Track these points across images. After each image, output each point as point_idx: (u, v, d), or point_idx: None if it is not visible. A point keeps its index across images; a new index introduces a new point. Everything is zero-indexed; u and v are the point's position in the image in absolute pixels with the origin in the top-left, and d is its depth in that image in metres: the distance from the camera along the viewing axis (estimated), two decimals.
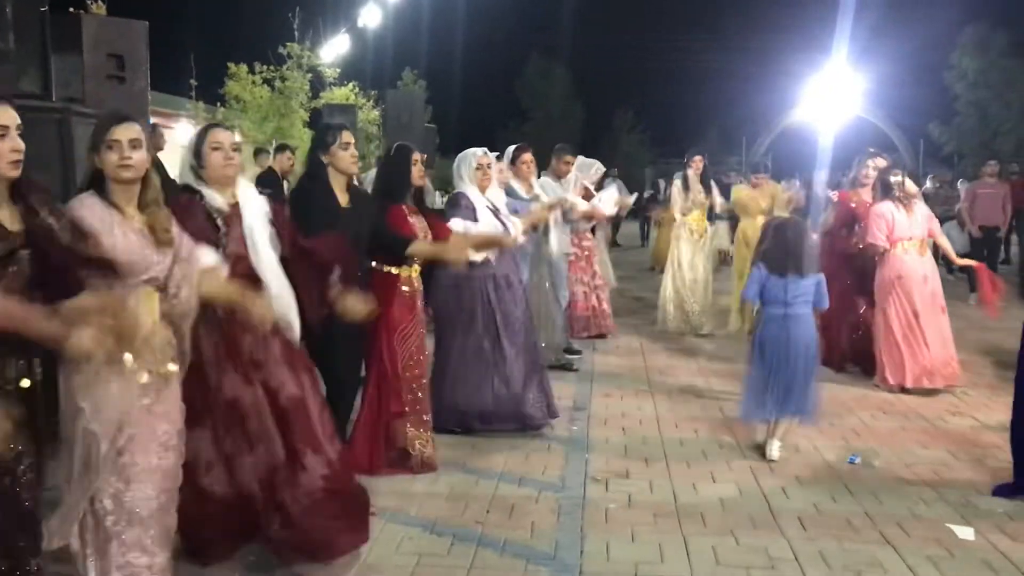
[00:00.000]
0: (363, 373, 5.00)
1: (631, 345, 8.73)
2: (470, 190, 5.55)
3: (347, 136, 4.50)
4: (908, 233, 6.94)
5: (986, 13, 28.95)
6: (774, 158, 27.81)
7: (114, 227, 2.95)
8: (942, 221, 14.96)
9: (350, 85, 18.51)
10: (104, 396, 2.90)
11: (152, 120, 7.27)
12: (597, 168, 9.44)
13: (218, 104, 17.21)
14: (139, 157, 3.02)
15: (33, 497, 2.66)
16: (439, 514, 4.38)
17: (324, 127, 4.63)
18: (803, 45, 31.43)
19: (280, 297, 3.64)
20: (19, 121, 2.62)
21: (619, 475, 5.00)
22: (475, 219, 5.42)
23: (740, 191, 9.96)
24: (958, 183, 16.35)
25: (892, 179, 7.01)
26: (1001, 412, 6.12)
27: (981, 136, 29.50)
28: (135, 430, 2.96)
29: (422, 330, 5.03)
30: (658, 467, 5.15)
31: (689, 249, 9.38)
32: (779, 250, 5.27)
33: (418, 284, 5.02)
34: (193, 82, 16.93)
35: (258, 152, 13.52)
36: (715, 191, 9.63)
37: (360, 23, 19.96)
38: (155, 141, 10.05)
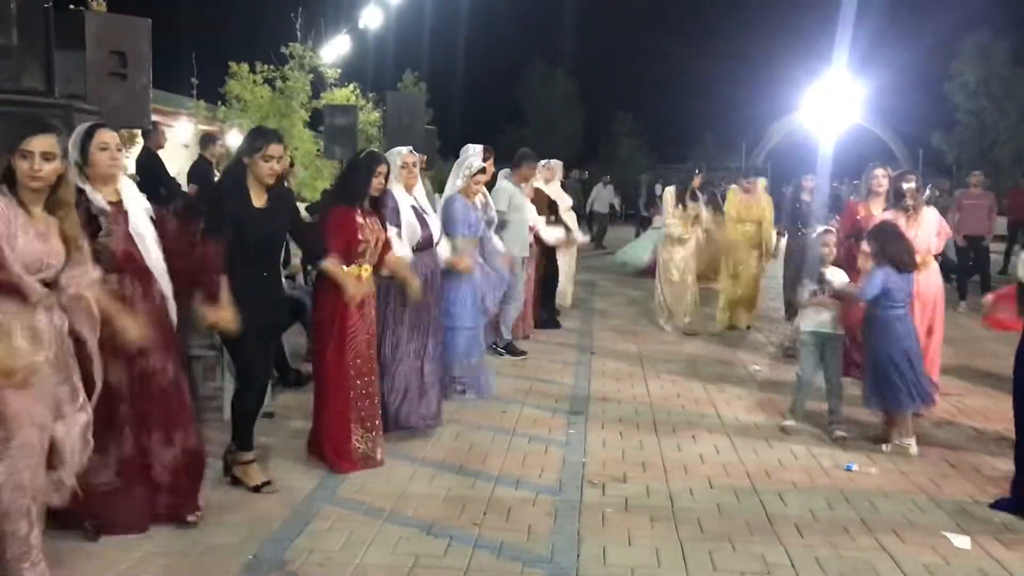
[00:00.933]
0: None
1: (628, 349, 8.73)
2: (395, 189, 5.57)
3: (274, 150, 4.50)
4: (920, 247, 6.28)
5: (987, 22, 29.02)
6: (773, 165, 27.74)
7: (17, 227, 3.15)
8: None
9: (351, 86, 18.51)
10: None
11: (153, 118, 7.25)
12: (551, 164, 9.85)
13: (219, 103, 17.20)
14: (49, 169, 3.22)
15: None
16: (436, 515, 4.38)
17: (257, 132, 4.67)
18: (803, 52, 31.48)
19: (166, 288, 4.03)
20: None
21: (616, 479, 5.00)
22: (398, 221, 5.49)
23: (731, 199, 10.07)
24: (955, 193, 16.35)
25: (905, 186, 6.59)
26: (998, 421, 6.15)
27: (980, 145, 29.57)
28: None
29: (372, 329, 5.08)
30: (655, 471, 5.15)
31: (672, 255, 9.58)
32: (900, 247, 5.48)
33: (369, 284, 5.03)
34: (194, 80, 16.93)
35: None
36: (702, 208, 9.64)
37: (361, 24, 19.95)
38: (156, 139, 10.08)
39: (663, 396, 6.91)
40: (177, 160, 12.21)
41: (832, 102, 24.71)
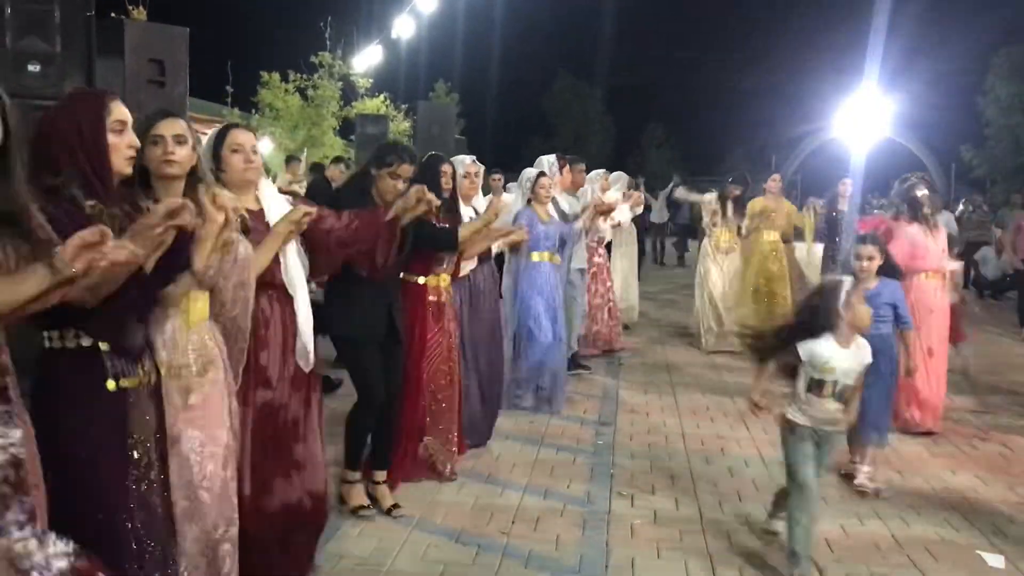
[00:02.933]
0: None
1: (657, 361, 8.71)
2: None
3: (404, 170, 4.27)
4: (936, 264, 6.25)
5: (1021, 37, 28.70)
6: (803, 178, 27.57)
7: None
8: (977, 246, 14.94)
9: (381, 96, 18.64)
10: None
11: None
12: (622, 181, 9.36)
13: (252, 111, 17.38)
14: (184, 153, 2.87)
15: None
16: (464, 524, 4.39)
17: (390, 147, 4.45)
18: (835, 66, 31.37)
19: (304, 313, 3.52)
20: (132, 119, 2.57)
21: (645, 491, 4.99)
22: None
23: (758, 201, 9.52)
24: (1003, 212, 16.19)
25: (919, 193, 6.18)
26: None
27: (1013, 161, 29.21)
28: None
29: (451, 341, 4.96)
30: (684, 484, 5.13)
31: (716, 267, 9.23)
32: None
33: (447, 295, 4.92)
34: (229, 88, 17.10)
35: (289, 160, 13.66)
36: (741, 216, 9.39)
37: (394, 34, 20.10)
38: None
39: (692, 409, 6.89)
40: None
41: (863, 116, 24.57)
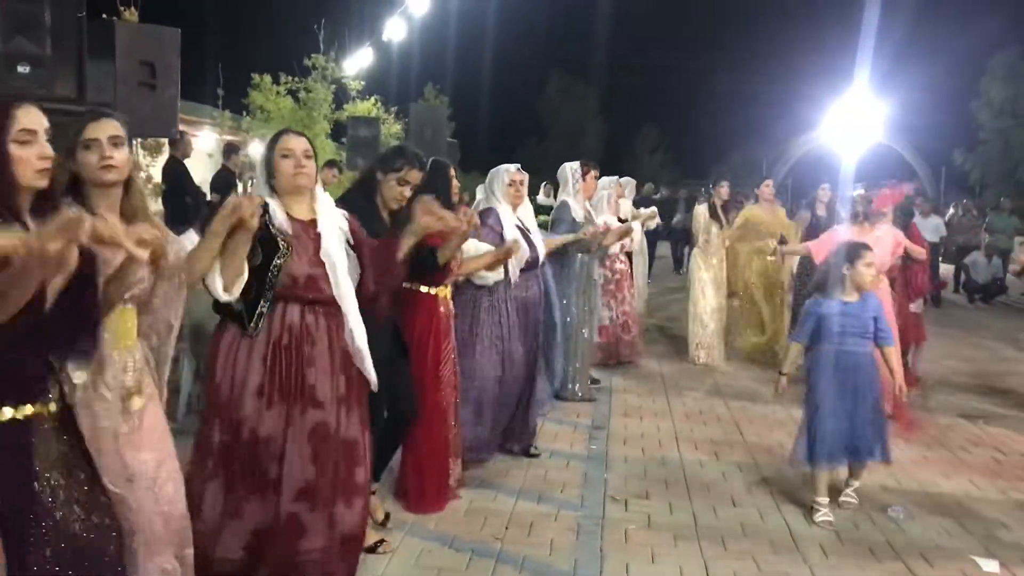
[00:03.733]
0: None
1: (650, 367, 8.69)
2: (501, 208, 5.33)
3: (413, 176, 4.10)
4: None
5: (1016, 41, 28.85)
6: (794, 182, 27.62)
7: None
8: (967, 250, 15.00)
9: (372, 99, 18.60)
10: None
11: (180, 128, 7.30)
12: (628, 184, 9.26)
13: (244, 113, 17.33)
14: (122, 156, 2.69)
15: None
16: (457, 529, 4.36)
17: (398, 150, 4.26)
18: (826, 70, 31.43)
19: (357, 328, 3.37)
20: (47, 125, 2.30)
21: (638, 496, 4.97)
22: (501, 239, 5.12)
23: (752, 209, 9.35)
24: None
25: (856, 195, 6.89)
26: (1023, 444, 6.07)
27: (1004, 165, 29.37)
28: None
29: (455, 356, 4.74)
30: (678, 489, 5.11)
31: (709, 275, 9.03)
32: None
33: (450, 306, 4.70)
34: (220, 91, 17.05)
35: None
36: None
37: (385, 37, 20.07)
38: (182, 148, 10.17)
39: (685, 414, 6.87)
40: (201, 169, 12.34)
41: (854, 120, 24.65)
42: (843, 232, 6.63)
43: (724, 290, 9.07)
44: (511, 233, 5.18)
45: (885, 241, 6.53)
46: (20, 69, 4.81)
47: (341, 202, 3.74)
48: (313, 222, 3.36)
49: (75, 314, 2.29)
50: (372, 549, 3.97)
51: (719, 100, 43.42)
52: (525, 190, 5.54)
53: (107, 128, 2.68)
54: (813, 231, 9.01)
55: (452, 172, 4.81)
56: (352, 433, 3.38)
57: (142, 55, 5.85)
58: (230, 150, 11.91)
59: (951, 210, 17.66)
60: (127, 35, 5.85)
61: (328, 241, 3.34)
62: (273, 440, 3.25)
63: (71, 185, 2.68)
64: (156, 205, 9.75)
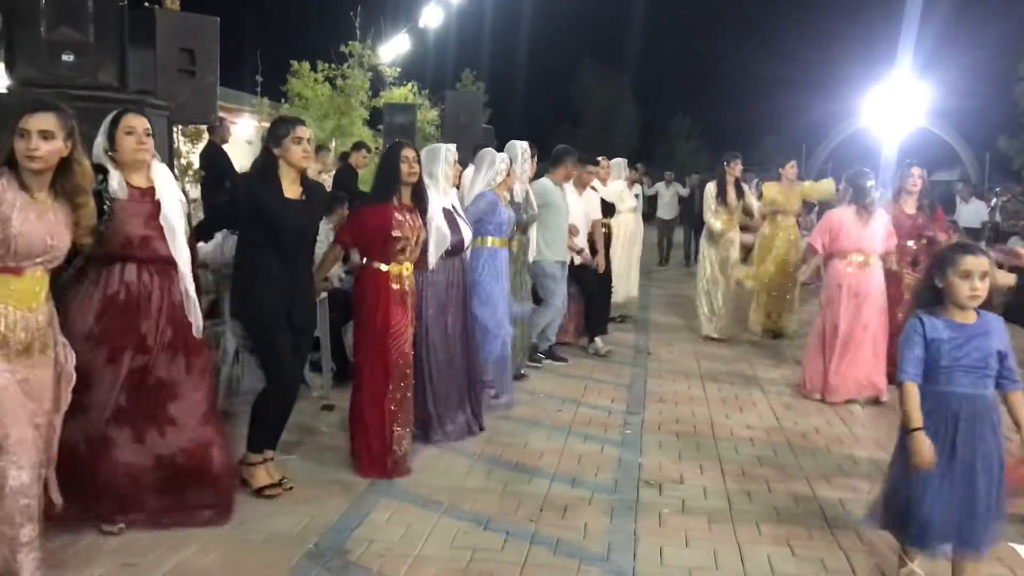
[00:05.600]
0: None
1: (685, 350, 8.67)
2: (432, 190, 5.29)
3: (301, 131, 4.36)
4: (856, 246, 6.75)
5: None
6: (834, 167, 27.23)
7: (16, 209, 3.04)
8: (1009, 234, 14.71)
9: (409, 85, 18.65)
10: None
11: (221, 115, 7.40)
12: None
13: (282, 100, 17.45)
14: (48, 149, 3.08)
15: None
16: (492, 510, 4.40)
17: (278, 120, 4.53)
18: (866, 54, 31.01)
19: (189, 284, 3.92)
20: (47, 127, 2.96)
21: (673, 480, 4.97)
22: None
23: (771, 187, 9.54)
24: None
25: (867, 183, 6.76)
26: None
27: None
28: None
29: (408, 330, 4.87)
30: (712, 473, 5.11)
31: (717, 254, 9.10)
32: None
33: (410, 283, 4.89)
34: (259, 78, 17.18)
35: (319, 150, 13.71)
36: (748, 195, 9.31)
37: (421, 23, 20.10)
38: (221, 134, 10.28)
39: (721, 399, 6.85)
40: (240, 156, 12.45)
41: (895, 104, 24.28)
42: (838, 215, 6.89)
43: (732, 267, 9.10)
44: (437, 217, 5.22)
45: (877, 234, 6.78)
46: (64, 58, 4.91)
47: (242, 178, 4.89)
48: (151, 190, 3.88)
49: None
50: (259, 492, 4.39)
51: (756, 85, 42.90)
52: (455, 172, 5.74)
53: (40, 122, 3.05)
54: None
55: (405, 153, 4.83)
56: (172, 375, 3.90)
57: (182, 43, 5.94)
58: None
59: (995, 196, 17.35)
60: (167, 23, 5.94)
61: (167, 207, 3.87)
62: (107, 377, 3.77)
63: (9, 158, 3.09)
64: (195, 192, 9.87)
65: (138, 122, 3.86)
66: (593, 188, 8.48)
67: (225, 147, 10.48)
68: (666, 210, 17.61)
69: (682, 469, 5.16)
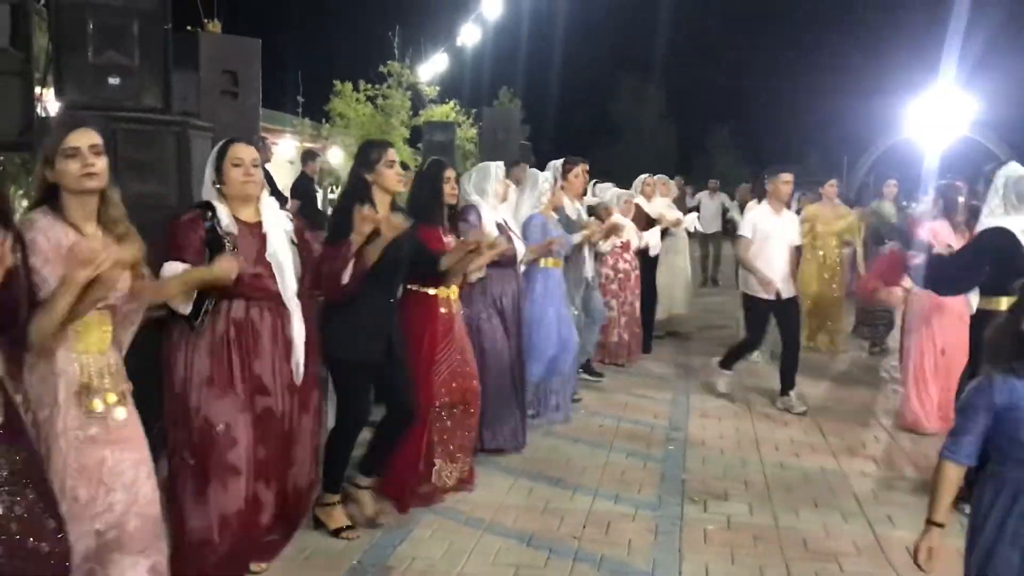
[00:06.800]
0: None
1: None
2: (484, 205, 5.32)
3: (392, 154, 4.22)
4: None
5: None
6: (875, 180, 26.89)
7: (63, 248, 2.68)
8: None
9: (451, 103, 18.78)
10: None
11: (261, 135, 7.49)
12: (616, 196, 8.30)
13: (323, 120, 17.66)
14: (103, 165, 2.76)
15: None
16: (535, 527, 4.37)
17: (368, 144, 4.40)
18: (910, 64, 30.60)
19: (297, 323, 3.64)
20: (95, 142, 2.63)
21: (717, 496, 4.91)
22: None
23: (811, 208, 9.27)
24: None
25: (959, 197, 6.17)
26: None
27: None
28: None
29: (459, 355, 4.71)
30: (757, 490, 5.04)
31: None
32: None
33: (456, 306, 4.77)
34: (300, 99, 17.42)
35: None
36: (791, 210, 9.09)
37: (459, 42, 20.23)
38: (263, 153, 10.39)
39: (765, 415, 6.76)
40: (282, 176, 12.60)
41: (939, 114, 23.90)
42: (932, 230, 6.15)
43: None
44: (491, 230, 5.15)
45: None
46: (111, 81, 4.98)
47: (338, 210, 4.23)
48: (259, 224, 3.62)
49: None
50: (371, 522, 4.27)
51: (795, 97, 42.56)
52: (502, 188, 5.59)
53: (88, 137, 2.74)
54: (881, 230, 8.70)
55: (447, 174, 4.75)
56: (293, 417, 3.68)
57: (224, 65, 6.01)
58: (308, 156, 12.16)
59: None
60: (210, 46, 6.02)
61: (273, 243, 3.60)
62: (229, 426, 3.45)
63: (47, 194, 2.76)
64: None
65: (246, 153, 3.60)
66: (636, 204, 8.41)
67: (268, 167, 10.60)
68: (709, 223, 14.82)
69: (726, 485, 5.10)
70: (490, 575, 3.84)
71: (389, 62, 18.05)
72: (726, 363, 7.31)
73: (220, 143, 3.69)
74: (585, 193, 7.58)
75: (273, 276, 3.56)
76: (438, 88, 19.17)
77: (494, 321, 5.36)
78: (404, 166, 12.15)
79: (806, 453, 5.75)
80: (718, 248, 15.89)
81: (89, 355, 2.78)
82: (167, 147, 4.94)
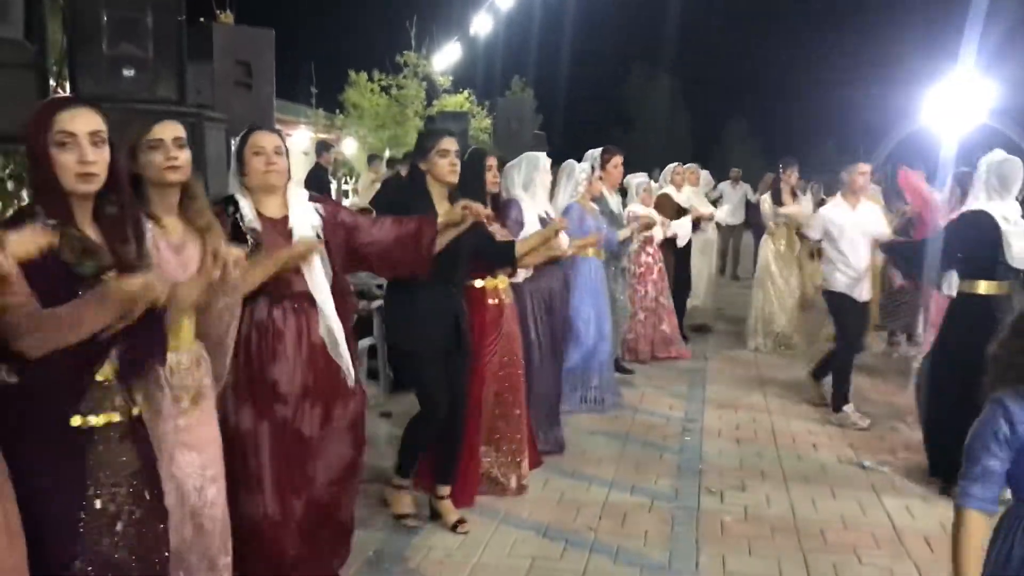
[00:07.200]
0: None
1: (745, 357, 8.54)
2: (525, 200, 5.17)
3: (447, 143, 4.04)
4: None
5: None
6: (893, 169, 26.63)
7: (152, 243, 2.59)
8: None
9: (465, 92, 18.74)
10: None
11: (275, 126, 7.49)
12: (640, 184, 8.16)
13: (337, 111, 17.65)
14: (186, 157, 2.70)
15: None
16: (551, 518, 4.36)
17: (425, 132, 4.26)
18: (929, 51, 30.29)
19: (333, 323, 3.32)
20: (100, 128, 2.25)
21: (734, 488, 4.89)
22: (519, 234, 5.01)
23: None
24: None
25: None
26: None
27: None
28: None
29: (514, 346, 4.64)
30: (775, 481, 5.02)
31: (779, 263, 8.80)
32: None
33: (507, 296, 4.63)
34: (314, 89, 17.41)
35: (371, 159, 13.85)
36: (804, 202, 9.01)
37: (472, 31, 20.17)
38: None
39: (781, 406, 6.72)
40: (296, 167, 12.62)
41: (957, 102, 23.69)
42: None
43: (794, 279, 8.77)
44: (534, 225, 5.05)
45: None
46: (125, 72, 4.98)
47: (393, 201, 3.77)
48: (284, 219, 3.30)
49: (145, 336, 2.33)
50: (454, 528, 4.18)
51: (811, 86, 42.32)
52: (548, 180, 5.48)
53: (172, 130, 2.70)
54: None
55: (489, 162, 4.66)
56: (312, 429, 3.32)
57: (238, 55, 6.00)
58: (322, 147, 12.17)
59: None
60: (224, 37, 6.01)
61: (299, 235, 3.29)
62: (249, 436, 3.21)
63: (132, 185, 2.61)
64: None
65: (267, 140, 3.30)
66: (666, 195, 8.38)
67: None
68: (731, 214, 13.92)
69: (743, 476, 5.07)
70: (506, 567, 3.83)
71: (406, 52, 18.01)
72: (838, 393, 6.35)
73: (242, 132, 3.44)
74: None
75: (300, 272, 3.27)
76: (451, 78, 19.13)
77: (537, 321, 5.23)
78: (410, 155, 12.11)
79: (823, 444, 5.72)
80: (738, 241, 15.58)
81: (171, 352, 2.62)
82: None
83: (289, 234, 3.28)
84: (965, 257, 4.80)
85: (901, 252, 5.84)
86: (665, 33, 44.31)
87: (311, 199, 3.45)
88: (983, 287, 4.75)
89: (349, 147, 17.78)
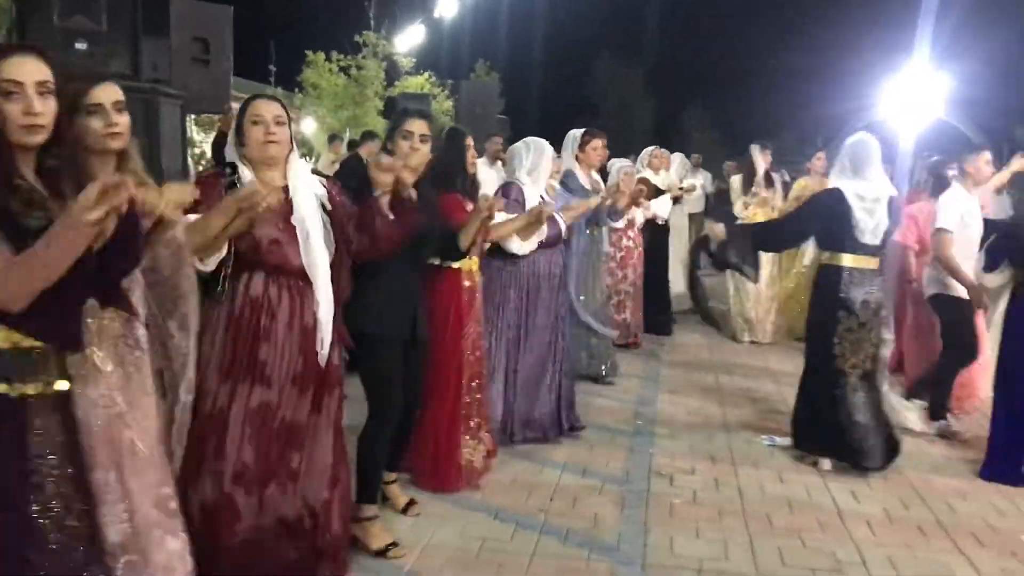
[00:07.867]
0: None
1: (699, 343, 8.64)
2: (527, 182, 5.18)
3: (410, 124, 3.83)
4: None
5: None
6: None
7: None
8: None
9: (425, 74, 18.66)
10: None
11: (232, 104, 7.40)
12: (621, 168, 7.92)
13: (296, 90, 17.49)
14: (126, 122, 2.60)
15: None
16: (503, 501, 4.39)
17: (399, 113, 4.07)
18: (883, 44, 30.66)
19: (324, 301, 3.20)
20: (46, 79, 2.13)
21: (684, 471, 4.96)
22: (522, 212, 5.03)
23: (803, 182, 9.11)
24: None
25: (949, 174, 6.10)
26: None
27: None
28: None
29: (480, 328, 4.63)
30: (724, 466, 5.09)
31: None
32: None
33: (478, 277, 4.56)
34: (272, 68, 17.25)
35: (332, 138, 13.75)
36: (778, 186, 9.04)
37: (436, 14, 20.08)
38: (231, 123, 10.27)
39: (733, 391, 6.83)
40: None
41: (912, 95, 24.00)
42: (922, 211, 6.41)
43: (769, 267, 8.68)
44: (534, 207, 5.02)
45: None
46: (78, 46, 4.90)
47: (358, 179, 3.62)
48: (284, 188, 3.17)
49: (118, 262, 2.23)
50: (404, 510, 4.15)
51: (771, 76, 42.65)
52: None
53: (111, 93, 2.59)
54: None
55: (468, 141, 4.52)
56: (298, 416, 3.19)
57: (195, 31, 5.92)
58: None
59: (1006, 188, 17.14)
60: (181, 12, 5.92)
61: (301, 207, 3.16)
62: (221, 415, 3.09)
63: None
64: None
65: (267, 109, 3.15)
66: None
67: None
68: (693, 202, 13.32)
69: (693, 460, 5.15)
70: (457, 547, 3.85)
71: (365, 32, 17.87)
72: (939, 403, 5.83)
73: (244, 100, 3.26)
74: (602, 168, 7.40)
75: (296, 246, 3.13)
76: (414, 60, 19.03)
77: (536, 305, 5.21)
78: (370, 135, 12.01)
79: (772, 429, 5.81)
80: (699, 230, 15.35)
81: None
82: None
83: (288, 203, 3.15)
84: (820, 230, 5.08)
85: (762, 230, 5.91)
86: (632, 21, 44.45)
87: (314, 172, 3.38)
88: (847, 260, 4.95)
89: (308, 127, 17.63)
